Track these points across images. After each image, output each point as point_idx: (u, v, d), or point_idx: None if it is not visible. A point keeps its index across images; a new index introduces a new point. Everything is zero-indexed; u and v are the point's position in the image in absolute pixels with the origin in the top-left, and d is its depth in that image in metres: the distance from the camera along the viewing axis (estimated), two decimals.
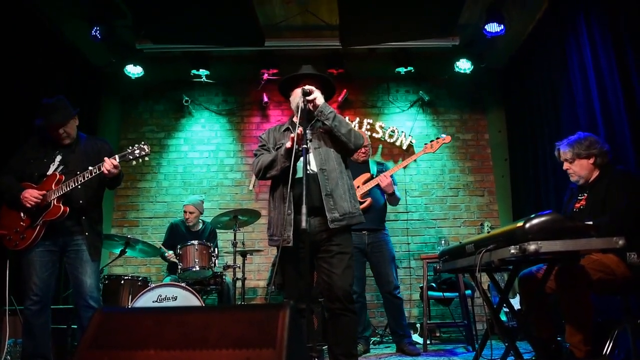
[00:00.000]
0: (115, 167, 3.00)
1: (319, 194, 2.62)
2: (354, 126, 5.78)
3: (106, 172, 2.98)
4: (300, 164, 2.51)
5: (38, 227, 2.99)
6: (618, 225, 2.54)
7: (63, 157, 3.16)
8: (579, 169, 2.96)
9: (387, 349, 4.47)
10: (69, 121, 3.13)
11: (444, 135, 4.37)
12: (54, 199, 3.00)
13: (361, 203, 4.10)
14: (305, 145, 2.45)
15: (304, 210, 2.25)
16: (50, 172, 3.11)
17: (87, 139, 3.32)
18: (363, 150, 4.26)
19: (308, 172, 2.44)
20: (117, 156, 3.04)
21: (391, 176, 4.19)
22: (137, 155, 3.06)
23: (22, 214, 3.04)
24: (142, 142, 3.10)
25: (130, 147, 3.08)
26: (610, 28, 3.60)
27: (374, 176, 4.20)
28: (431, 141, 4.37)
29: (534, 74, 5.10)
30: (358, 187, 4.15)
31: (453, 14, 4.43)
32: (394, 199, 4.26)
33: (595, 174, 2.93)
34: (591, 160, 2.92)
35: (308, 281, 2.34)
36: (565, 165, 3.03)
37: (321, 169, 2.68)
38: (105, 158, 3.01)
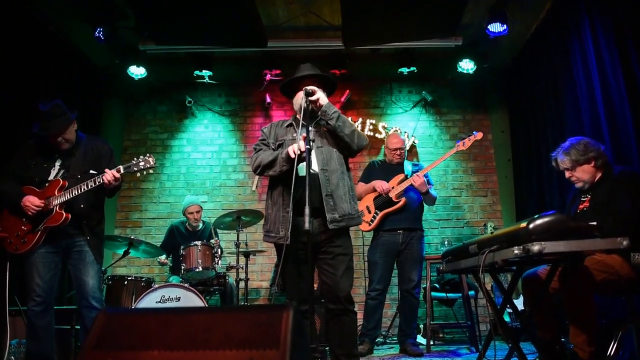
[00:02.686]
0: (115, 179, 3.01)
1: (320, 194, 2.61)
2: (357, 127, 5.80)
3: (106, 183, 3.00)
4: (301, 164, 2.51)
5: (39, 233, 3.00)
6: (622, 227, 2.53)
7: (63, 161, 3.16)
8: (581, 175, 2.93)
9: (391, 349, 4.46)
10: (67, 128, 3.10)
11: (476, 133, 4.30)
12: (56, 206, 3.00)
13: (396, 203, 4.15)
14: (308, 146, 2.45)
15: (307, 211, 2.25)
16: (51, 177, 3.11)
17: (87, 139, 3.30)
18: (398, 152, 4.31)
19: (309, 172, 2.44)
20: (121, 167, 3.05)
21: (426, 175, 4.20)
22: (142, 167, 3.07)
23: (23, 219, 3.04)
24: (148, 155, 3.11)
25: (136, 159, 3.08)
26: (614, 28, 3.59)
27: (408, 177, 4.20)
28: (462, 139, 4.32)
29: (537, 74, 5.08)
30: (393, 187, 4.17)
31: (456, 14, 4.42)
32: (429, 198, 4.28)
33: (598, 175, 2.91)
34: (592, 164, 2.89)
35: (310, 282, 2.33)
36: (567, 174, 3.00)
37: (322, 169, 2.67)
38: (107, 170, 3.01)
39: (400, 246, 4.15)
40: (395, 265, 4.27)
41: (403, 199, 4.16)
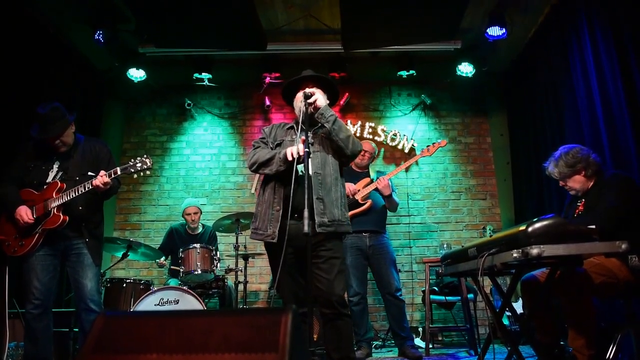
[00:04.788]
0: (105, 184, 2.99)
1: (310, 197, 2.60)
2: (356, 130, 5.82)
3: (96, 187, 2.98)
4: (299, 166, 2.52)
5: (37, 235, 3.00)
6: (602, 220, 2.54)
7: (61, 163, 3.16)
8: (573, 184, 2.95)
9: (390, 352, 4.46)
10: (64, 131, 3.11)
11: (440, 140, 4.60)
12: (54, 208, 3.00)
13: (362, 205, 4.25)
14: (307, 149, 2.45)
15: (306, 214, 2.25)
16: (49, 179, 3.11)
17: (86, 141, 3.30)
18: (363, 153, 4.38)
19: (303, 174, 2.44)
20: (118, 169, 3.04)
21: (390, 181, 4.33)
22: (139, 168, 3.07)
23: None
24: (145, 155, 3.11)
25: (133, 160, 3.08)
26: (613, 32, 3.60)
27: (374, 181, 4.33)
28: (427, 146, 4.57)
29: (536, 77, 5.10)
30: (359, 190, 4.28)
31: (455, 17, 4.44)
32: (391, 202, 4.35)
33: (590, 183, 2.92)
34: (582, 174, 2.91)
35: (309, 286, 2.32)
36: (561, 183, 3.02)
37: (316, 173, 2.67)
38: (102, 172, 3.01)
39: (369, 249, 4.22)
40: (369, 270, 4.31)
41: (369, 201, 4.27)
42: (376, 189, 4.27)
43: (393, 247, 4.41)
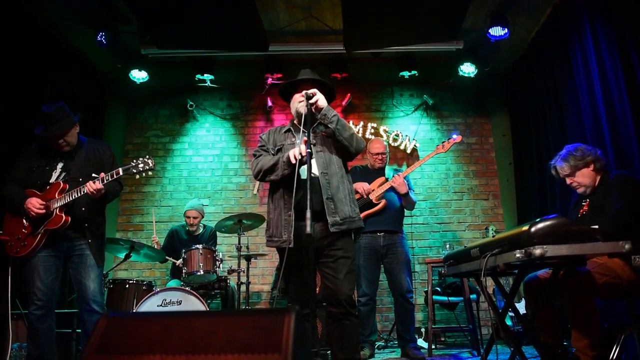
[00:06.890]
0: (97, 190, 2.97)
1: (320, 198, 2.61)
2: (358, 130, 5.81)
3: (89, 193, 2.97)
4: (302, 167, 2.52)
5: (39, 236, 3.00)
6: (612, 227, 2.54)
7: (65, 164, 3.17)
8: (582, 179, 2.95)
9: (392, 353, 4.45)
10: (69, 131, 3.12)
11: (454, 136, 4.42)
12: (56, 208, 3.00)
13: (376, 205, 4.17)
14: (309, 150, 2.45)
15: (308, 214, 2.25)
16: (53, 179, 3.11)
17: (89, 143, 3.31)
18: (380, 157, 4.33)
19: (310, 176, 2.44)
20: (120, 169, 3.04)
21: (406, 179, 4.22)
22: (141, 169, 3.07)
23: (24, 222, 3.05)
24: (147, 156, 3.11)
25: (135, 161, 3.08)
26: (615, 31, 3.60)
27: (389, 180, 4.24)
28: (442, 142, 4.42)
29: (538, 78, 5.09)
30: (373, 190, 4.19)
31: (457, 18, 4.43)
32: (408, 201, 4.27)
33: (598, 179, 2.93)
34: (591, 167, 2.92)
35: (312, 286, 2.32)
36: (568, 180, 3.02)
37: (323, 173, 2.67)
38: (102, 174, 3.01)
39: (383, 249, 4.16)
40: (383, 270, 4.25)
41: (383, 201, 4.18)
42: (391, 188, 4.19)
43: (409, 247, 4.32)
